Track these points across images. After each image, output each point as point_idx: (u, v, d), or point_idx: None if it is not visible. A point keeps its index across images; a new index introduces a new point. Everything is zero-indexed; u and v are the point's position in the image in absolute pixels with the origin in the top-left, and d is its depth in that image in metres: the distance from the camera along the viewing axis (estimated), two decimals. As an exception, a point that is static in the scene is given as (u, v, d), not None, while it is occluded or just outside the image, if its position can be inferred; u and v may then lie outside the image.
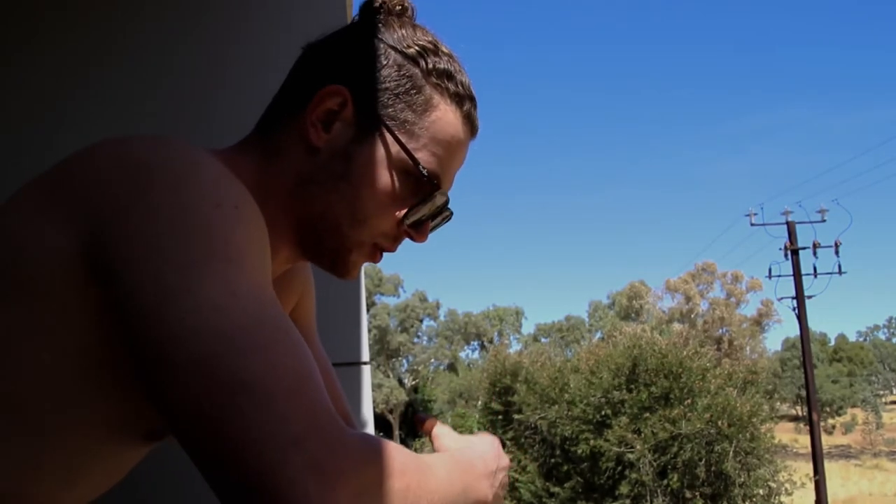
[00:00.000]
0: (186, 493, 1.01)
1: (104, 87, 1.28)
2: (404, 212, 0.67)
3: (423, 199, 0.67)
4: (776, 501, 10.07)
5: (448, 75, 0.67)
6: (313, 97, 0.65)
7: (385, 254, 0.70)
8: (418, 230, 0.69)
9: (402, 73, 0.66)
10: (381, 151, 0.65)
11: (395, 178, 0.66)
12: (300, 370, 0.49)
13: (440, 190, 0.67)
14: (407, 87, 0.66)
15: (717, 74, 64.06)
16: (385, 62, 0.66)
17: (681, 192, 63.67)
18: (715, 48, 64.58)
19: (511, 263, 63.93)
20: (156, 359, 0.48)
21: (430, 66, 0.67)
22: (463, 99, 0.68)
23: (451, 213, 0.72)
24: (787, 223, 15.47)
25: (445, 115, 0.67)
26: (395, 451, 0.52)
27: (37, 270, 0.52)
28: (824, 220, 15.82)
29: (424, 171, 0.65)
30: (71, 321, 0.52)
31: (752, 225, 16.31)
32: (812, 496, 12.48)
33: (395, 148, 0.65)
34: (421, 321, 32.15)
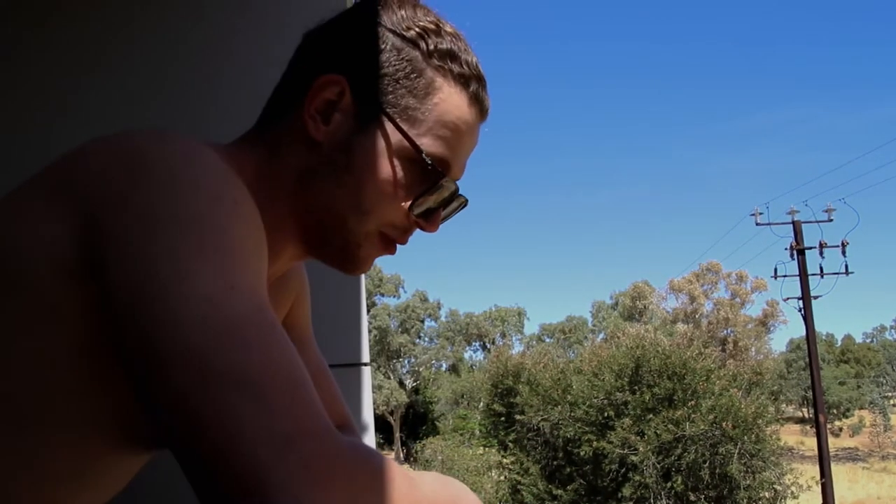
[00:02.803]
0: (184, 494, 1.00)
1: (104, 87, 1.27)
2: (410, 202, 0.64)
3: (429, 188, 0.64)
4: (781, 504, 10.02)
5: (451, 56, 0.64)
6: (310, 88, 0.63)
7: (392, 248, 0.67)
8: (428, 220, 0.66)
9: (401, 56, 0.63)
10: (382, 140, 0.63)
11: (399, 167, 0.63)
12: (293, 371, 0.47)
13: (446, 178, 0.64)
14: (407, 71, 0.63)
15: (723, 72, 63.99)
16: (383, 47, 0.63)
17: (685, 192, 63.60)
18: (720, 46, 64.58)
19: (513, 263, 63.98)
20: (145, 351, 0.46)
21: (432, 47, 0.63)
22: (469, 79, 0.64)
23: (466, 201, 0.69)
24: (793, 223, 15.40)
25: (450, 98, 0.63)
26: (391, 466, 0.50)
27: (28, 267, 0.50)
28: (831, 220, 15.74)
29: (428, 159, 0.63)
30: (62, 318, 0.50)
31: (757, 224, 16.24)
32: (818, 499, 12.42)
33: (396, 136, 0.62)
34: (422, 322, 32.11)
